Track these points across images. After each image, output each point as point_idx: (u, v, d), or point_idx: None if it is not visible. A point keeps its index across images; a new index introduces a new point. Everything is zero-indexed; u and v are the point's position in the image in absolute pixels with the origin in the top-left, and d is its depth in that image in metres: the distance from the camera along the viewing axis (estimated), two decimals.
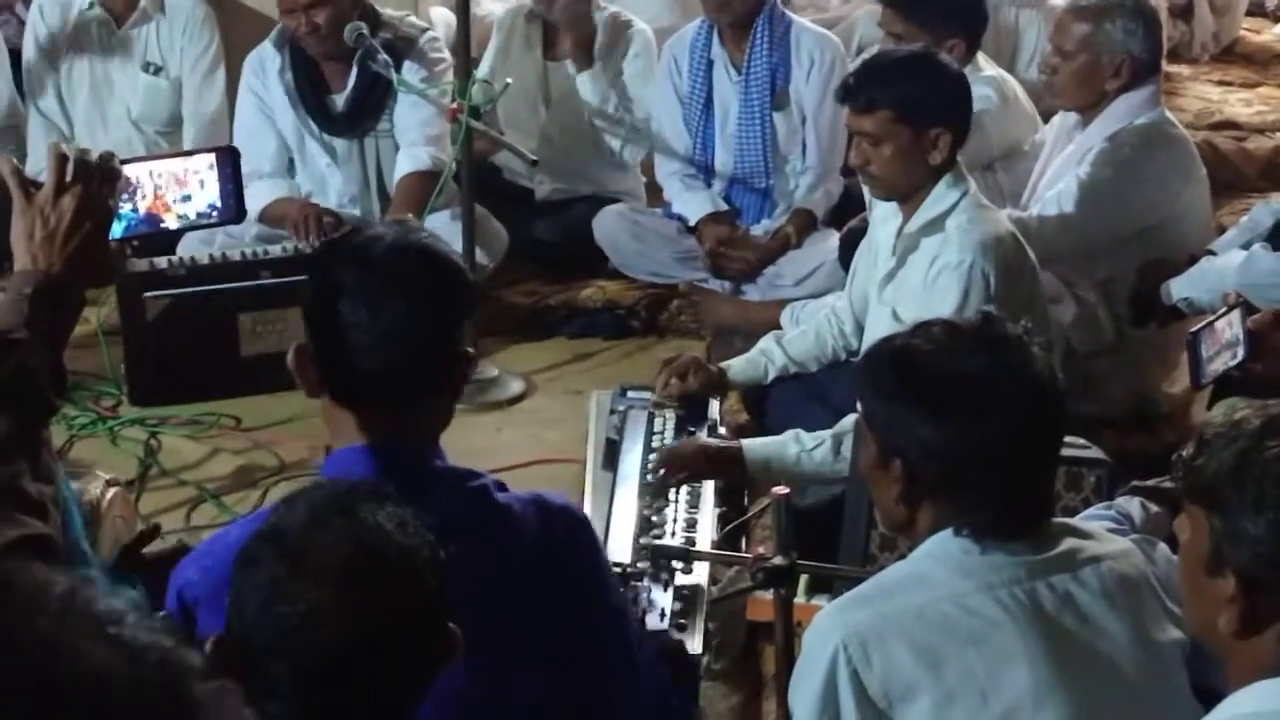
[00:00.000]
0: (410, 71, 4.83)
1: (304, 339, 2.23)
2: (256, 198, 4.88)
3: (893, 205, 3.62)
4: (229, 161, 2.42)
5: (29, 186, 2.01)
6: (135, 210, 2.29)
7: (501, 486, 2.27)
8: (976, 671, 2.15)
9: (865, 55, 4.05)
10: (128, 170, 2.20)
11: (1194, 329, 3.40)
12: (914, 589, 2.21)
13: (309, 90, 4.94)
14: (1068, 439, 2.48)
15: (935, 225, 3.51)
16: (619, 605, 2.40)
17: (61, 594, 0.87)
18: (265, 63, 4.99)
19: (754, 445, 3.55)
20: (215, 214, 2.43)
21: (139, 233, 2.35)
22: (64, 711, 0.82)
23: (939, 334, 2.29)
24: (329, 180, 5.04)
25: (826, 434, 3.51)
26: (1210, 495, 1.76)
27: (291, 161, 5.06)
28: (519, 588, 2.19)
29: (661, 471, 3.51)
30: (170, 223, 2.39)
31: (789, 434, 3.54)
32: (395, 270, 2.16)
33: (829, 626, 2.20)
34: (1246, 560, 1.72)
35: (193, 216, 2.39)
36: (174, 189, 2.35)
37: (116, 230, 2.13)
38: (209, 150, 2.47)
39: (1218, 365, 3.40)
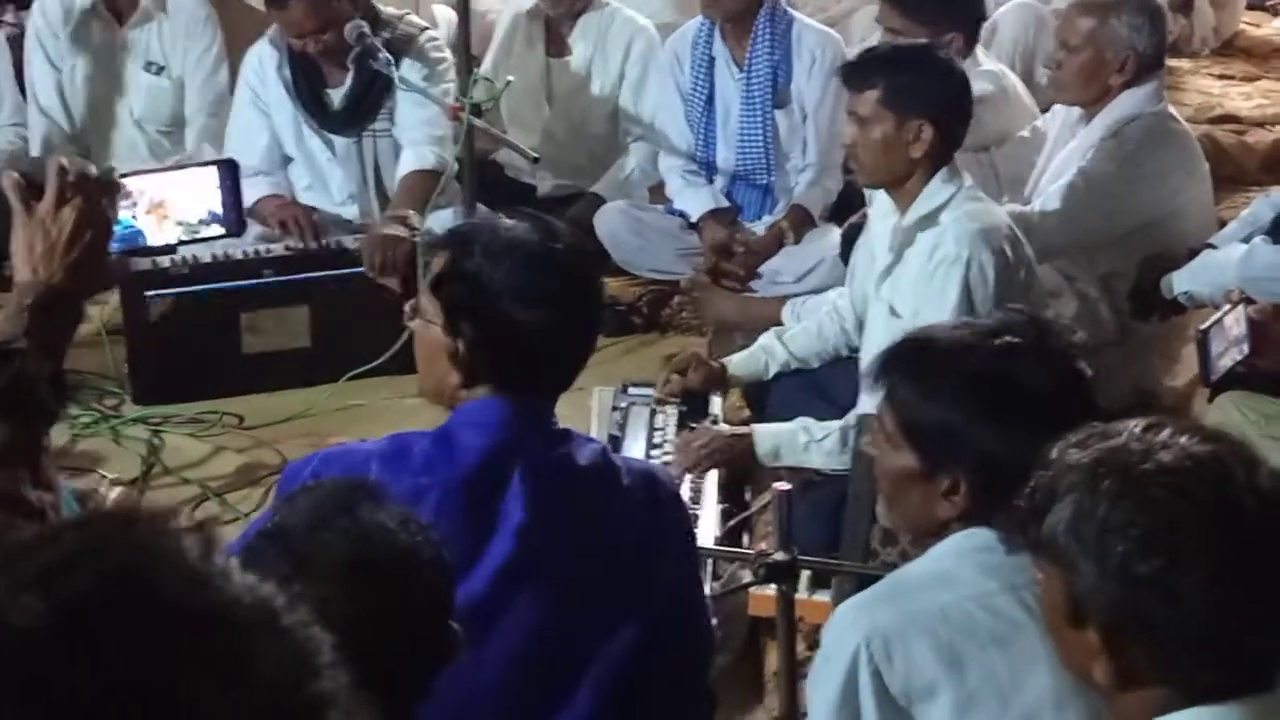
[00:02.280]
0: (409, 70, 4.83)
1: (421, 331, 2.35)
2: (247, 194, 4.88)
3: (890, 202, 3.63)
4: (230, 175, 2.44)
5: (30, 199, 2.02)
6: (135, 221, 2.30)
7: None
8: (998, 673, 2.14)
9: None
10: (128, 183, 2.21)
11: (1204, 326, 3.40)
12: (937, 588, 2.20)
13: (305, 86, 4.94)
14: None
15: (930, 220, 3.51)
16: (699, 587, 2.52)
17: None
18: (263, 59, 4.99)
19: (764, 432, 3.57)
20: (217, 227, 2.45)
21: (139, 245, 2.37)
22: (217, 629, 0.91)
23: (1000, 345, 2.23)
24: (330, 177, 5.05)
25: (835, 425, 3.53)
26: (1053, 551, 1.65)
27: (285, 159, 5.06)
28: (623, 544, 2.32)
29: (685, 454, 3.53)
30: (170, 236, 2.40)
31: (798, 422, 3.55)
32: (569, 271, 2.33)
33: (851, 624, 2.19)
34: (1104, 615, 1.61)
35: (193, 222, 2.41)
36: (175, 202, 2.37)
37: (117, 243, 2.14)
38: (210, 163, 2.49)
39: (1226, 361, 3.40)
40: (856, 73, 3.58)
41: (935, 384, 2.23)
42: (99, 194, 2.04)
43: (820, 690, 2.20)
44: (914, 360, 2.29)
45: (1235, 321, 3.39)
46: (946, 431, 2.19)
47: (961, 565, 2.20)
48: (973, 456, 2.17)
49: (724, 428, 3.65)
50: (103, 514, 0.99)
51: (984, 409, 2.18)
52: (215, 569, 0.93)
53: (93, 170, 2.07)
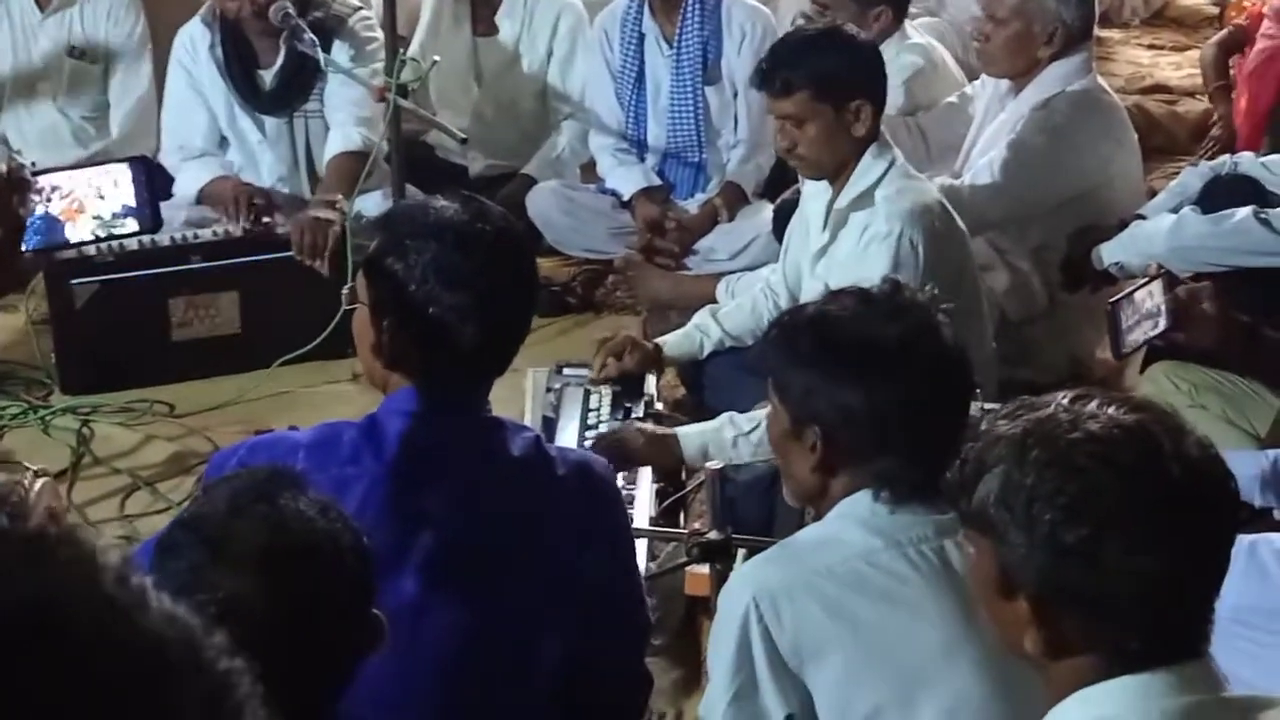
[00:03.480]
0: (340, 51, 4.79)
1: (359, 319, 2.32)
2: (193, 178, 4.83)
3: (823, 180, 3.62)
4: (143, 171, 2.41)
5: None
6: (47, 222, 2.28)
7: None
8: (887, 628, 2.19)
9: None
10: (42, 180, 2.18)
11: (1113, 300, 3.42)
12: (825, 548, 2.25)
13: (238, 66, 4.90)
14: (987, 405, 2.51)
15: (864, 199, 3.51)
16: (634, 576, 2.49)
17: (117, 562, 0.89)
18: (195, 40, 4.94)
19: (689, 433, 3.52)
20: (132, 222, 2.42)
21: (51, 244, 2.34)
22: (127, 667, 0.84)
23: (852, 302, 2.35)
24: (260, 158, 5.00)
25: (760, 415, 3.51)
26: (983, 521, 1.66)
27: (224, 138, 5.02)
28: (556, 535, 2.29)
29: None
30: (85, 233, 2.37)
31: (723, 418, 3.52)
32: (498, 253, 2.27)
33: (741, 584, 2.24)
34: (1034, 585, 1.62)
35: (108, 218, 2.38)
36: (89, 199, 2.34)
37: (30, 241, 2.11)
38: (122, 160, 2.46)
39: (1138, 335, 3.42)
40: (775, 75, 3.50)
41: (793, 343, 2.33)
42: (8, 192, 2.00)
43: (718, 653, 2.24)
44: (781, 326, 2.41)
45: (1148, 295, 3.41)
46: (804, 386, 2.29)
47: (847, 527, 2.26)
48: (824, 408, 2.26)
49: (648, 427, 3.59)
50: (12, 536, 0.90)
51: (831, 361, 2.28)
52: (132, 599, 0.87)
53: (1, 168, 2.03)
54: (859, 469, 2.26)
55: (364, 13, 4.98)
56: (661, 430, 3.53)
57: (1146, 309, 3.40)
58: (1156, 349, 3.69)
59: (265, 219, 4.67)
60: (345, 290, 2.41)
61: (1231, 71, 5.79)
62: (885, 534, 2.23)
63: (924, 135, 4.63)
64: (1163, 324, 3.39)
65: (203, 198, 4.85)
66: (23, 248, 2.07)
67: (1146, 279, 3.43)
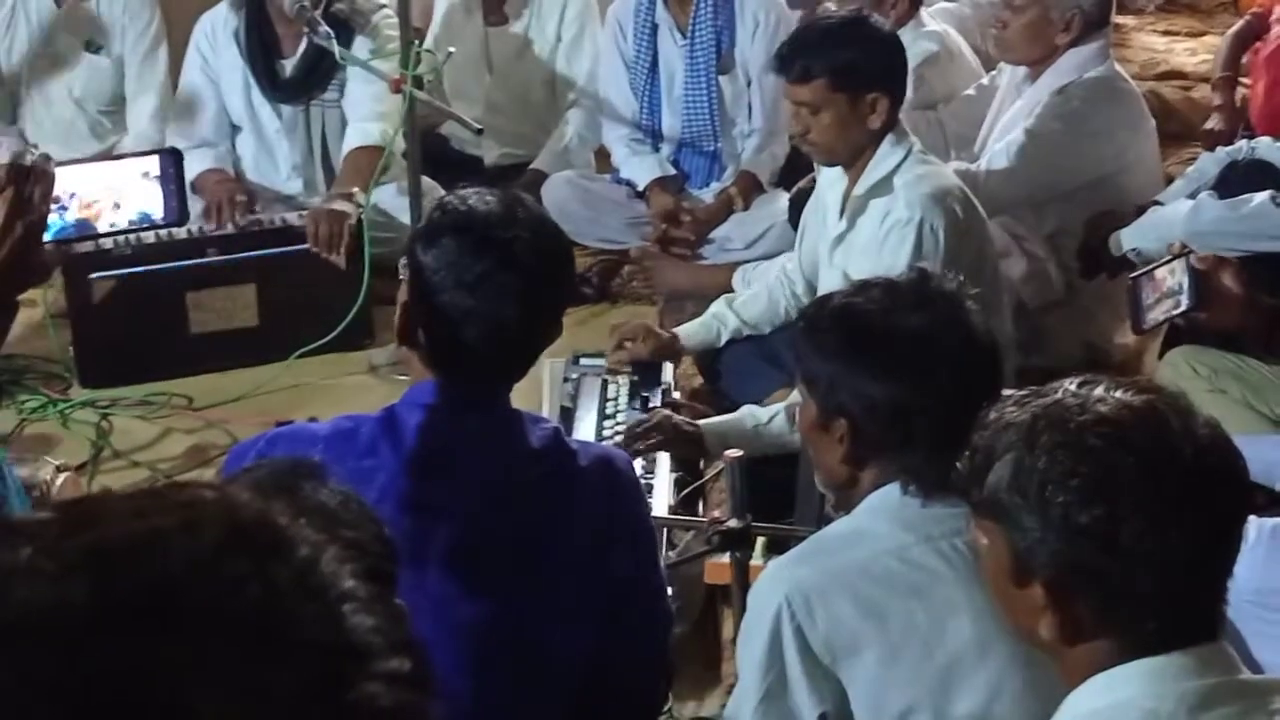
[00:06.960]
0: (361, 46, 4.79)
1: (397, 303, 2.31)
2: (191, 166, 4.82)
3: (839, 168, 3.62)
4: (171, 164, 2.40)
5: None
6: (64, 217, 2.27)
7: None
8: (920, 623, 2.17)
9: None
10: (67, 174, 2.16)
11: (1134, 275, 3.42)
12: (856, 544, 2.23)
13: (260, 53, 4.91)
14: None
15: (883, 186, 3.50)
16: (656, 568, 2.47)
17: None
18: (217, 26, 4.96)
19: (711, 425, 3.52)
20: (155, 219, 2.41)
21: (70, 236, 2.33)
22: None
23: (878, 293, 2.32)
24: (277, 147, 5.01)
25: (779, 406, 3.51)
26: (996, 508, 1.66)
27: (233, 129, 5.02)
28: (578, 528, 2.28)
29: (635, 444, 3.50)
30: (103, 228, 2.36)
31: (744, 410, 3.52)
32: (510, 261, 2.22)
33: (772, 583, 2.22)
34: (1048, 569, 1.62)
35: (124, 225, 2.37)
36: (108, 202, 2.33)
37: (49, 233, 2.10)
38: (152, 153, 2.45)
39: (1159, 313, 3.41)
40: (795, 63, 3.50)
41: (819, 335, 2.32)
42: (33, 186, 1.99)
43: (747, 652, 2.22)
44: (808, 317, 2.40)
45: (1169, 273, 3.40)
46: (830, 377, 2.28)
47: (878, 521, 2.24)
48: (850, 401, 2.25)
49: (674, 416, 3.58)
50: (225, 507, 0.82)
51: (855, 354, 2.27)
52: (334, 591, 0.79)
53: (27, 159, 2.02)
54: (888, 461, 2.25)
55: (387, 10, 4.98)
56: (688, 424, 3.51)
57: (1168, 287, 3.39)
58: (1176, 332, 3.69)
59: (251, 215, 4.68)
60: (401, 264, 2.40)
61: (1244, 61, 5.77)
62: (916, 528, 2.21)
63: (942, 128, 4.62)
64: (1185, 303, 3.38)
65: (193, 187, 4.84)
66: (45, 239, 2.06)
67: (1169, 257, 3.42)
